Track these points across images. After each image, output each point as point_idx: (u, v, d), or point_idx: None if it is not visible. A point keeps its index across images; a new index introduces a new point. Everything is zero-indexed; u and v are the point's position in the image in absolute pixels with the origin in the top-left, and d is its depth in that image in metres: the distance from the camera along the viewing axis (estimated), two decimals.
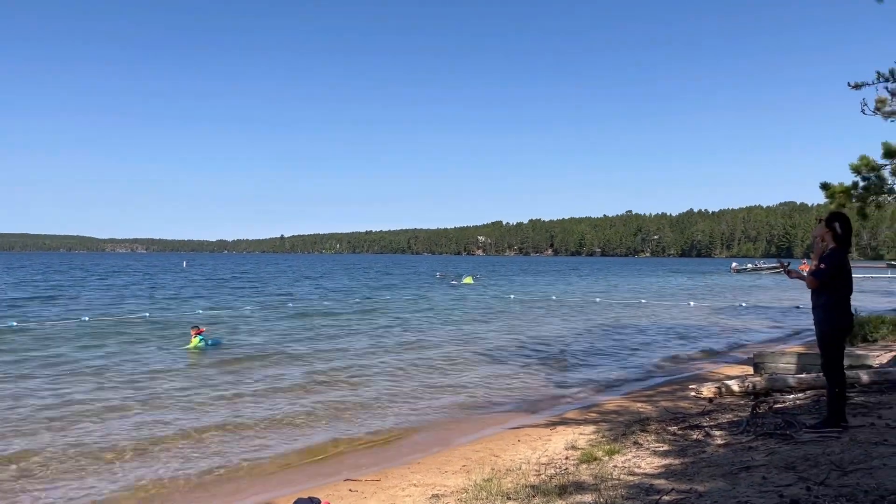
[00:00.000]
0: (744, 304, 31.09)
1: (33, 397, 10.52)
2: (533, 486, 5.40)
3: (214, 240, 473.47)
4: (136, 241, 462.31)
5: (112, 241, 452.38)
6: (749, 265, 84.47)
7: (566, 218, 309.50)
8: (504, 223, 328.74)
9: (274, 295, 36.59)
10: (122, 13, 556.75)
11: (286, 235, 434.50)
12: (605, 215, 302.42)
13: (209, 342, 15.80)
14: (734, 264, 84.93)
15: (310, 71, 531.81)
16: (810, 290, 5.87)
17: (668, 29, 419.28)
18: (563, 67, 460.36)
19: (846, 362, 9.53)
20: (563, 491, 5.14)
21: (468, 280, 52.19)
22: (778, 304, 31.21)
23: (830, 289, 5.71)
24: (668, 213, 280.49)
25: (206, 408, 10.09)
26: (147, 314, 24.20)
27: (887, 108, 13.13)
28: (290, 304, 29.60)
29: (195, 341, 15.50)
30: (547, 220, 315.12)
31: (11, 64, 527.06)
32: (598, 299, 34.54)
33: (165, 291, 38.99)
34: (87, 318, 22.14)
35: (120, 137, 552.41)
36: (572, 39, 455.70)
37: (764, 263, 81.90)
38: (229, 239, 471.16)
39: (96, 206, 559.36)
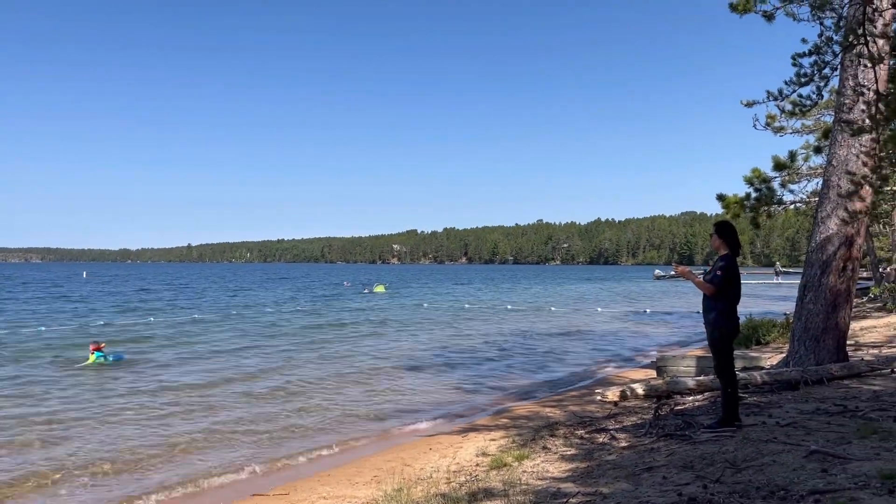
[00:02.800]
0: (648, 311, 32.31)
1: None
2: (443, 495, 5.38)
3: (117, 249, 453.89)
4: (30, 250, 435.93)
5: (4, 250, 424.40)
6: (672, 272, 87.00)
7: (480, 227, 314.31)
8: (419, 232, 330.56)
9: (180, 307, 35.25)
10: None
11: (194, 244, 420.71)
12: (517, 224, 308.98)
13: (110, 358, 14.99)
14: (657, 271, 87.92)
15: (217, 68, 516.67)
16: (703, 296, 6.12)
17: (567, 35, 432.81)
18: (478, 74, 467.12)
19: (741, 364, 10.07)
20: (473, 498, 5.15)
21: (380, 289, 51.85)
22: (681, 310, 32.61)
23: (724, 295, 5.97)
24: (577, 222, 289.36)
25: (100, 429, 9.55)
26: (42, 328, 22.79)
27: (776, 124, 13.99)
28: (196, 316, 28.57)
29: (93, 357, 14.68)
30: (461, 228, 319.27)
31: None
32: (509, 307, 35.09)
33: (70, 304, 36.87)
34: None
35: (8, 133, 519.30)
36: (479, 43, 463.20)
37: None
38: (133, 248, 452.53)
39: None
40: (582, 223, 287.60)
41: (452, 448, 7.85)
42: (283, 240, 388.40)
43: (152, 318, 26.89)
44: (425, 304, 36.90)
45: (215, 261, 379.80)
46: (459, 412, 10.72)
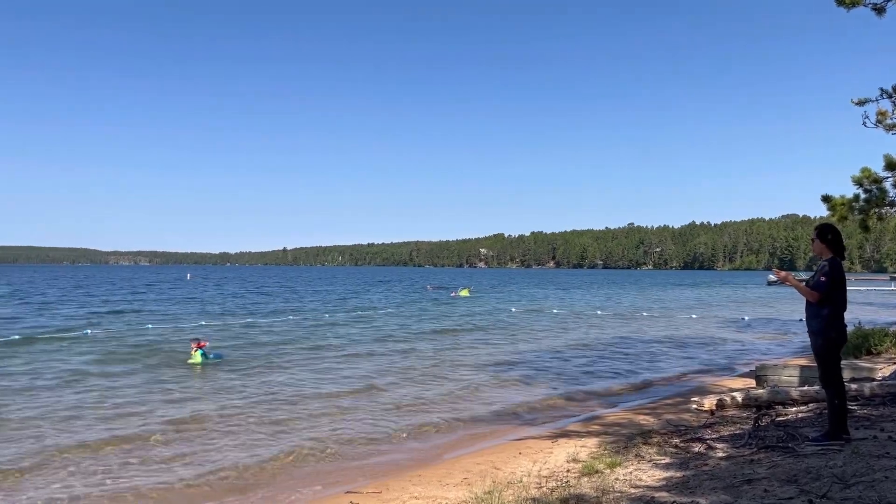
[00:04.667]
0: (746, 318, 31.02)
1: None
2: (534, 499, 5.38)
3: (217, 252, 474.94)
4: (139, 253, 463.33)
5: (116, 253, 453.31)
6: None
7: (568, 230, 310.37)
8: (506, 235, 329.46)
9: (281, 307, 36.61)
10: (120, 16, 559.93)
11: (289, 248, 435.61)
12: (607, 228, 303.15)
13: (211, 356, 15.74)
14: (771, 276, 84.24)
15: (313, 80, 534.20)
16: (806, 303, 5.86)
17: (668, 39, 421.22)
18: (564, 79, 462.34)
19: (850, 374, 9.54)
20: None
21: (465, 292, 52.04)
22: (782, 317, 31.13)
23: (829, 301, 5.70)
24: (670, 226, 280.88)
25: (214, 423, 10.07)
26: (150, 326, 24.23)
27: (888, 121, 13.18)
28: (291, 317, 29.61)
29: (196, 356, 15.41)
30: (549, 232, 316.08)
31: (11, 69, 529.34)
32: (599, 311, 34.51)
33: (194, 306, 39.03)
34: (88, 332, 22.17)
35: (124, 148, 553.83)
36: (570, 49, 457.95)
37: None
38: (232, 251, 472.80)
39: (100, 219, 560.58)
40: (675, 226, 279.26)
41: (542, 453, 7.82)
42: (373, 243, 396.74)
43: (291, 317, 28.35)
44: (512, 309, 36.79)
45: (308, 264, 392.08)
46: (548, 417, 10.65)
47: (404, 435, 9.46)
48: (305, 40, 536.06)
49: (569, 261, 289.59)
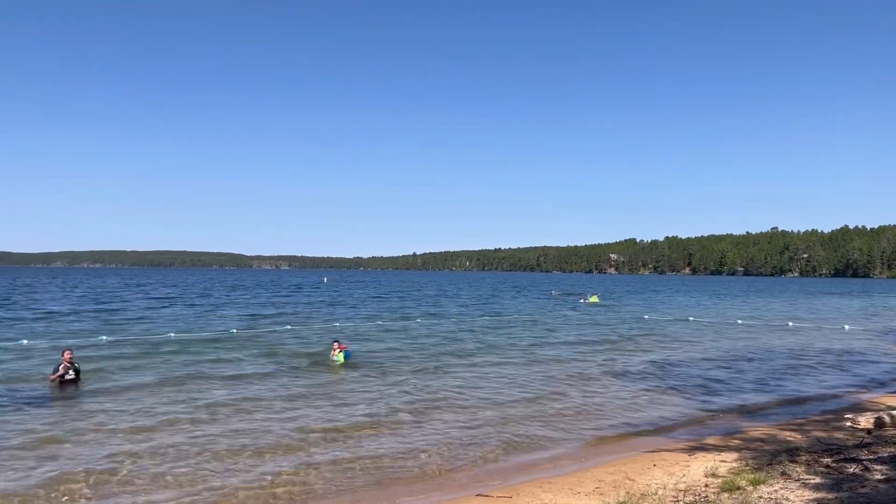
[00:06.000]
0: None
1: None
2: None
3: (351, 257, 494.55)
4: (280, 258, 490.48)
5: (258, 257, 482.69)
6: None
7: (705, 235, 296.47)
8: (638, 241, 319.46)
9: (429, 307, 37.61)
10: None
11: (418, 252, 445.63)
12: (747, 232, 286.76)
13: (346, 354, 16.44)
14: None
15: (440, 87, 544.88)
16: None
17: (811, 31, 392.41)
18: (704, 71, 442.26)
19: None
20: None
21: (594, 299, 50.93)
22: None
23: None
24: (820, 230, 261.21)
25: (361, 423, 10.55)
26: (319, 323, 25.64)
27: None
28: (437, 322, 30.28)
29: (340, 356, 16.10)
30: (684, 237, 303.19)
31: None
32: (739, 321, 32.71)
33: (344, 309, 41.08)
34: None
35: (269, 161, 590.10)
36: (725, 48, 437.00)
37: None
38: (365, 256, 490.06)
39: (245, 226, 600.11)
40: (825, 231, 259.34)
41: (678, 466, 7.56)
42: (500, 248, 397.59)
43: (437, 321, 29.43)
44: (645, 316, 35.64)
45: (437, 269, 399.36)
46: (684, 429, 10.28)
47: (529, 442, 9.46)
48: (441, 40, 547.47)
49: (706, 267, 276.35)
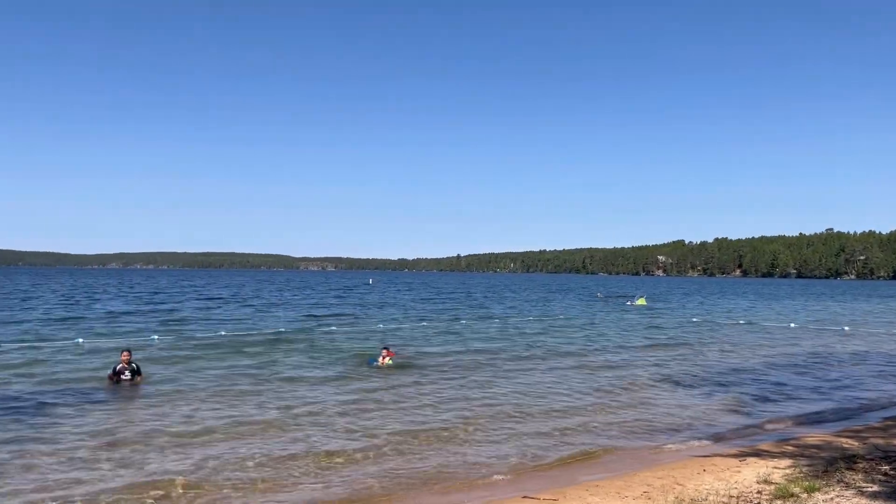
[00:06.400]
0: None
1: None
2: None
3: (396, 258, 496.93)
4: (326, 259, 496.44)
5: (305, 259, 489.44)
6: None
7: (756, 236, 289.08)
8: (686, 242, 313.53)
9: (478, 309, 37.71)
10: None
11: (462, 255, 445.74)
12: (801, 233, 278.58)
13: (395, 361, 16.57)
14: None
15: (482, 88, 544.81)
16: None
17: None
18: (749, 69, 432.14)
19: None
20: None
21: (641, 301, 50.25)
22: None
23: None
24: (878, 231, 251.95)
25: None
26: (381, 325, 26.01)
27: None
28: (488, 324, 30.31)
29: (389, 362, 16.22)
30: (734, 238, 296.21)
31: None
32: (793, 325, 31.86)
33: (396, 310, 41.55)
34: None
35: (312, 163, 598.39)
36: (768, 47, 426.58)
37: None
38: (409, 257, 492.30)
39: (293, 227, 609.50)
40: (883, 232, 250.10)
41: (729, 471, 7.43)
42: (545, 250, 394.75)
43: (488, 324, 29.55)
44: (695, 318, 35.02)
45: (481, 270, 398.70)
46: (735, 434, 10.09)
47: (577, 445, 9.42)
48: (485, 46, 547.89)
49: (757, 269, 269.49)
